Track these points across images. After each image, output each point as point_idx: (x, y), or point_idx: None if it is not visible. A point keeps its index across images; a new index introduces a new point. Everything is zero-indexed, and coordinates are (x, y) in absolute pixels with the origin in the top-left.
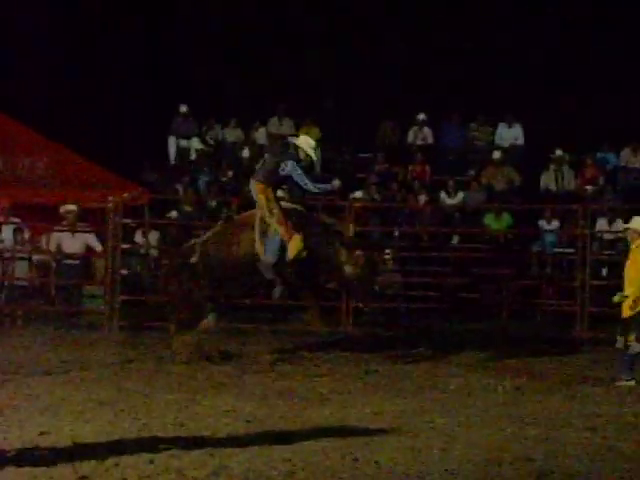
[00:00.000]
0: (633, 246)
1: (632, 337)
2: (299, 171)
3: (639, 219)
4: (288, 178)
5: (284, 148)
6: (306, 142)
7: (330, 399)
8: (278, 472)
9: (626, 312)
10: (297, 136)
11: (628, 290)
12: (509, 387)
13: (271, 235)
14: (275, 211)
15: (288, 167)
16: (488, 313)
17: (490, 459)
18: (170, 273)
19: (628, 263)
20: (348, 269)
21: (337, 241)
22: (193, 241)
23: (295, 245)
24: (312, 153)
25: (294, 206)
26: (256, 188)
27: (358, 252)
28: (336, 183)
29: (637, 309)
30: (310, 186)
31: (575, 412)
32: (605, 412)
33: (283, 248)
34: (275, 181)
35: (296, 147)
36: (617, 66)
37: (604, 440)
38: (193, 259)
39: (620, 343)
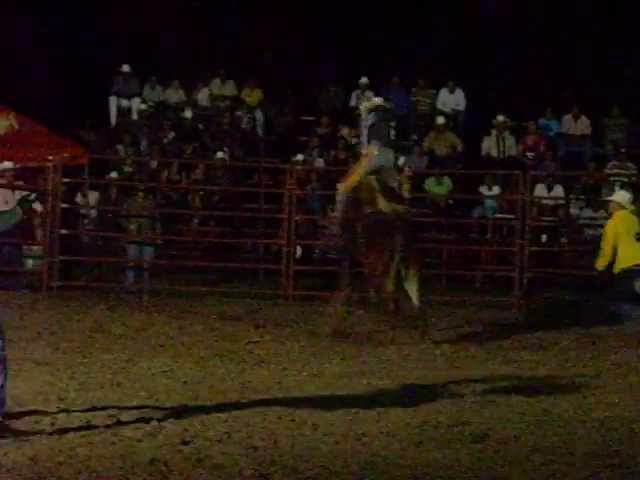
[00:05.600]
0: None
1: None
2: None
3: (622, 193)
4: None
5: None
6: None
7: (268, 361)
8: (215, 433)
9: None
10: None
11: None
12: (447, 352)
13: None
14: None
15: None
16: (428, 277)
17: (426, 422)
18: None
19: None
20: None
21: None
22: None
23: None
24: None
25: None
26: None
27: None
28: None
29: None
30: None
31: (512, 376)
32: (542, 376)
33: None
34: None
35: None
36: (557, 34)
37: (540, 404)
38: None
39: None
